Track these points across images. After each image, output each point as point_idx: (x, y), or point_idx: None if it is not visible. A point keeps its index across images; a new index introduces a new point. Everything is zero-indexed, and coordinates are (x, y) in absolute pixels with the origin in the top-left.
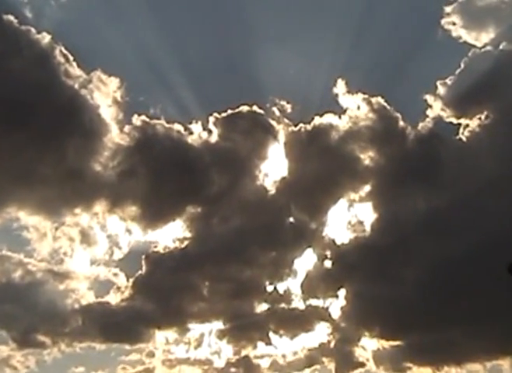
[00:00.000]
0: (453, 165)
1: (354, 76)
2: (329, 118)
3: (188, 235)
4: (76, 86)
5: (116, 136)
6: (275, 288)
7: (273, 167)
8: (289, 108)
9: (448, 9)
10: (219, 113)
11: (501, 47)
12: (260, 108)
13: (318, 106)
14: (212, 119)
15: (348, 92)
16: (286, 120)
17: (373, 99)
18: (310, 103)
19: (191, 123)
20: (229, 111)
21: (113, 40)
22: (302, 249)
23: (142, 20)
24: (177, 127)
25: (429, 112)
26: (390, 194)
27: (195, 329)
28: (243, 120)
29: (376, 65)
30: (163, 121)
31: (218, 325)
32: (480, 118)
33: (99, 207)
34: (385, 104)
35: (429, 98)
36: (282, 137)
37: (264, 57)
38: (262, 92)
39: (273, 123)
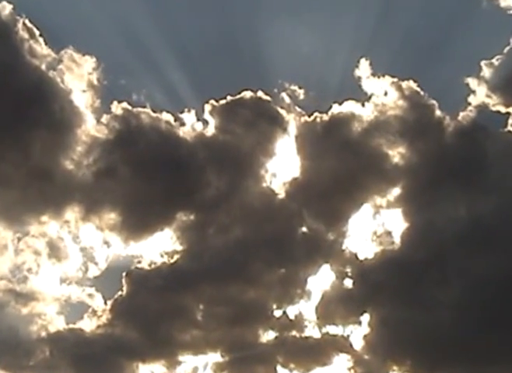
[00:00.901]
0: (501, 163)
1: (380, 56)
2: (350, 106)
3: (179, 247)
4: (43, 67)
5: (92, 128)
6: (284, 313)
7: (282, 166)
8: (301, 94)
9: None
10: (217, 101)
11: None
12: (266, 94)
13: (337, 92)
14: (207, 107)
15: (374, 74)
16: (298, 109)
17: (404, 84)
18: (326, 88)
19: (182, 112)
20: (229, 98)
21: (88, 13)
22: (317, 265)
23: None
24: (166, 116)
25: (471, 99)
26: (424, 199)
27: (187, 361)
28: (246, 108)
29: (406, 42)
30: (148, 110)
31: (215, 357)
32: None
33: (71, 213)
34: (418, 89)
35: (472, 82)
36: (292, 129)
37: (272, 33)
38: (269, 75)
39: (282, 112)
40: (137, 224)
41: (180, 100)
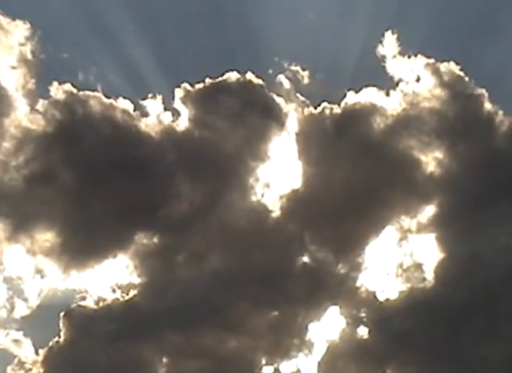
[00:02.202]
0: None
1: (412, 28)
2: (370, 95)
3: (137, 279)
4: None
5: (23, 117)
6: (276, 370)
7: (278, 173)
8: (305, 77)
9: None
10: (192, 84)
11: None
12: (258, 77)
13: (353, 76)
14: (179, 92)
15: (402, 53)
16: (301, 97)
17: (442, 66)
18: (339, 70)
19: (145, 98)
20: (208, 81)
21: None
22: (322, 307)
23: None
24: (123, 103)
25: None
26: (466, 221)
27: None
28: (231, 95)
29: (446, 12)
30: (100, 94)
31: None
32: None
33: None
34: (461, 74)
35: None
36: (293, 124)
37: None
38: (262, 52)
39: (279, 101)
40: (81, 247)
41: (142, 82)
